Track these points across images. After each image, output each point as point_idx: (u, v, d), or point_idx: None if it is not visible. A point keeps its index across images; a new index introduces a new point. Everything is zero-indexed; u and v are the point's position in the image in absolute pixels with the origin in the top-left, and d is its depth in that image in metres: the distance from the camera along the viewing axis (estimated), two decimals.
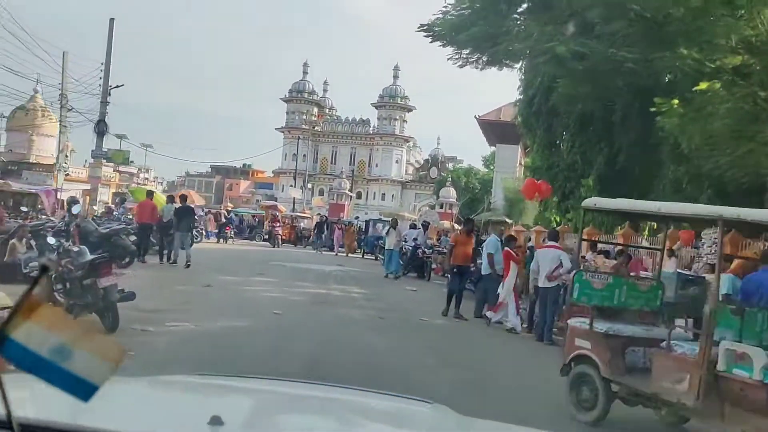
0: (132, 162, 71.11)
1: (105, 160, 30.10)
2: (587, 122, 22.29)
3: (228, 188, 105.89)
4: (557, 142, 25.59)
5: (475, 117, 37.33)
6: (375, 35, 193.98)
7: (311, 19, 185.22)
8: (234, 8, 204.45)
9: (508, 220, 36.29)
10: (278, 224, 33.16)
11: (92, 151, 29.86)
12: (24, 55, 62.85)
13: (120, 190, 48.67)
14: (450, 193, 47.55)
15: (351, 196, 53.11)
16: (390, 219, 34.27)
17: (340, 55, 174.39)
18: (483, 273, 12.55)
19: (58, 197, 24.66)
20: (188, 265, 15.92)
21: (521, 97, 25.77)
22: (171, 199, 20.56)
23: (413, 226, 24.74)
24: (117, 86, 30.06)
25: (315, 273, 18.28)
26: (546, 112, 23.33)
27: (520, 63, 21.74)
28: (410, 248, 21.05)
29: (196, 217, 21.35)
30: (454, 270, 12.22)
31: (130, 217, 25.40)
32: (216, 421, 1.37)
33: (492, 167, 60.69)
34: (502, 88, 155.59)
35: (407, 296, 15.00)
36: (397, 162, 75.12)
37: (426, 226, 25.45)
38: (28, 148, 58.60)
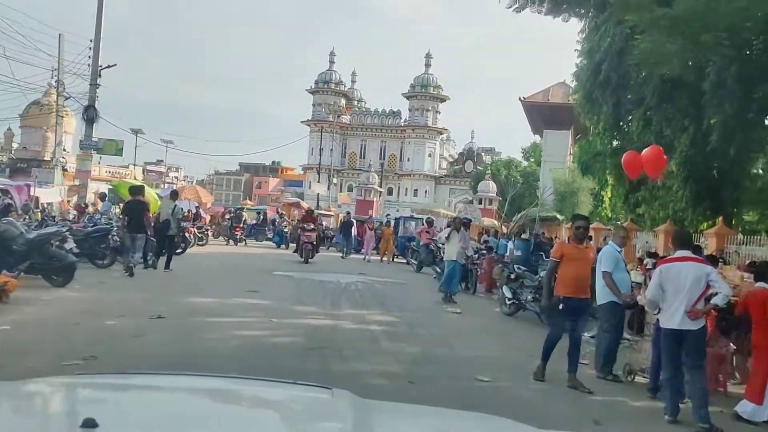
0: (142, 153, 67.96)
1: (95, 151, 26.30)
2: (670, 93, 17.68)
3: (257, 186, 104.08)
4: (625, 120, 20.99)
5: (520, 99, 32.86)
6: (405, 22, 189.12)
7: (337, 7, 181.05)
8: (258, 3, 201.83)
9: (559, 216, 31.86)
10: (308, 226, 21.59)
11: (80, 141, 26.15)
12: (41, 45, 59.75)
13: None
14: (489, 187, 42.94)
15: (380, 192, 48.79)
16: (424, 216, 30.05)
17: (369, 44, 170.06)
18: (600, 302, 7.72)
19: (32, 194, 20.92)
20: (130, 273, 12.97)
21: (581, 66, 21.17)
22: (174, 195, 16.91)
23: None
24: (108, 66, 26.32)
25: (327, 288, 14.04)
26: (616, 83, 18.74)
27: (587, 14, 17.41)
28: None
29: (184, 217, 17.42)
30: (562, 306, 7.05)
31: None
32: (89, 423, 1.33)
33: (532, 159, 55.87)
34: (541, 76, 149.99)
35: (451, 326, 10.62)
36: (430, 155, 70.59)
37: (467, 224, 21.05)
38: (42, 145, 55.72)
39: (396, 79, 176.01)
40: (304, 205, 43.04)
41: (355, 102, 76.63)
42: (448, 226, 20.50)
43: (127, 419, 1.63)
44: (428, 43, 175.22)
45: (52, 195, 24.31)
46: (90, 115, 25.92)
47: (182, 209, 18.02)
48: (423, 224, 22.97)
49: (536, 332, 10.95)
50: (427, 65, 70.73)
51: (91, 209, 20.56)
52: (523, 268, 13.12)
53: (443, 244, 13.63)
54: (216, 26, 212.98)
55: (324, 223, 36.24)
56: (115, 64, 26.52)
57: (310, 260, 19.61)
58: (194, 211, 27.24)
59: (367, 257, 23.85)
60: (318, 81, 72.60)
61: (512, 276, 12.96)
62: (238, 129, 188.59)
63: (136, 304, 9.74)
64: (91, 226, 15.09)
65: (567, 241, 7.19)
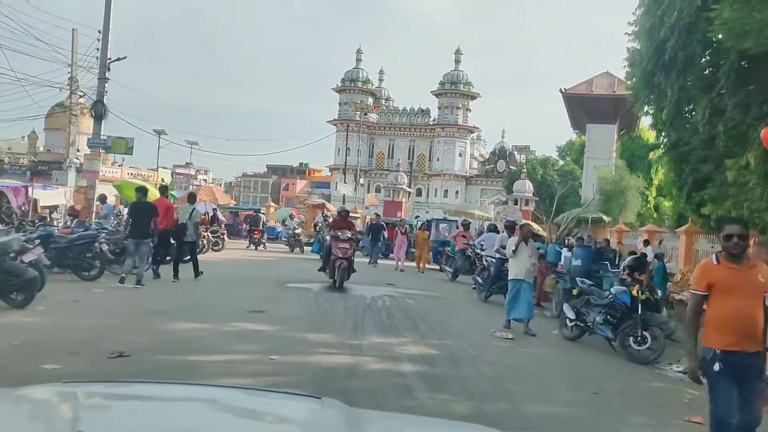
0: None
1: (104, 150, 24.46)
2: (748, 74, 15.15)
3: (284, 188, 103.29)
4: (687, 108, 18.44)
5: (561, 91, 30.35)
6: (433, 19, 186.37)
7: (364, 4, 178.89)
8: (282, 4, 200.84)
9: (605, 217, 29.31)
10: (343, 234, 18.72)
11: (88, 139, 24.35)
12: (64, 44, 58.70)
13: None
14: (526, 187, 40.31)
15: (409, 193, 46.41)
16: (458, 218, 27.67)
17: (396, 42, 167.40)
18: None
19: (30, 196, 19.08)
20: (137, 282, 11.77)
21: (636, 49, 18.64)
22: (192, 198, 15.13)
23: (493, 228, 18.02)
24: (118, 59, 24.46)
25: (349, 305, 11.80)
26: (682, 64, 16.22)
27: None
28: (493, 261, 14.40)
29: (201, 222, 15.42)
30: (718, 365, 4.34)
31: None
32: None
33: (568, 157, 53.07)
34: (577, 72, 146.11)
35: (505, 360, 8.24)
36: (460, 155, 68.07)
37: (511, 227, 18.74)
38: (66, 147, 54.55)
39: (424, 76, 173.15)
40: (331, 207, 40.94)
41: (383, 101, 74.50)
42: (490, 230, 18.25)
43: (114, 430, 1.60)
44: (458, 40, 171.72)
45: (55, 197, 22.47)
46: (98, 111, 24.11)
47: (200, 213, 16.16)
48: (458, 227, 20.64)
49: (613, 367, 8.61)
50: (457, 62, 68.33)
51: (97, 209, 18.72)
52: (588, 281, 10.78)
53: (511, 255, 10.94)
54: (240, 27, 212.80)
55: None
56: (125, 57, 24.59)
57: (339, 284, 13.90)
58: (211, 213, 25.33)
59: (398, 265, 21.30)
60: (344, 79, 70.58)
61: (574, 292, 10.63)
62: (265, 131, 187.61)
63: (101, 332, 7.63)
64: (83, 231, 13.10)
65: (715, 261, 4.46)
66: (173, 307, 9.94)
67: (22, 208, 19.12)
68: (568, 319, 10.23)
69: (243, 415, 1.91)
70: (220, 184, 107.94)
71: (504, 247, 14.00)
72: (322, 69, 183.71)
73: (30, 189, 19.37)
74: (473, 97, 68.36)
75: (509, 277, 10.95)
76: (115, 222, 20.72)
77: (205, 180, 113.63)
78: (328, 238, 15.95)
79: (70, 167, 30.24)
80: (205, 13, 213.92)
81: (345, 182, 45.37)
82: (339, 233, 14.24)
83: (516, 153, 66.57)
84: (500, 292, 14.18)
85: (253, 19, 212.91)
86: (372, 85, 72.01)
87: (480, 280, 14.71)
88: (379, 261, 22.46)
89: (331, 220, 35.28)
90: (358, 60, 70.98)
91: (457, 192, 67.39)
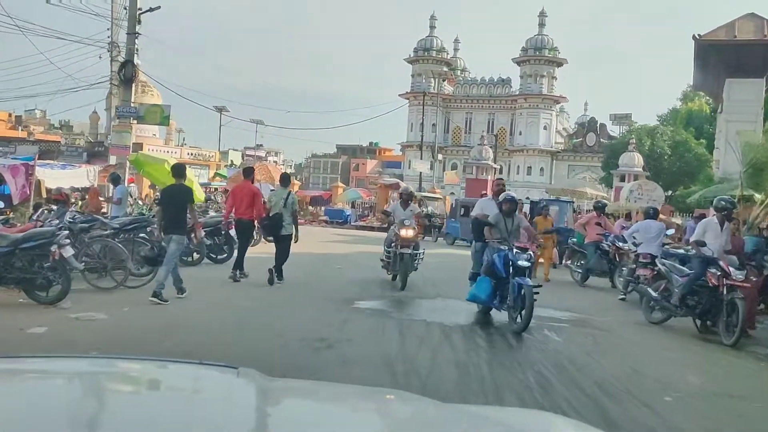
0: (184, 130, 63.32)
1: (135, 120, 20.21)
2: None
3: (354, 168, 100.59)
4: None
5: (694, 37, 24.19)
6: None
7: None
8: None
9: (756, 195, 23.29)
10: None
11: (117, 108, 20.20)
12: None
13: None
14: (635, 160, 34.12)
15: (495, 169, 40.86)
16: (563, 197, 22.12)
17: (472, 7, 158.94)
18: None
19: (32, 176, 14.91)
20: (157, 296, 8.49)
21: None
22: (286, 181, 12.04)
23: (652, 214, 12.59)
24: (150, 9, 20.12)
25: (458, 351, 6.89)
26: None
27: None
28: (685, 275, 9.19)
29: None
30: None
31: (142, 207, 15.73)
32: None
33: (671, 128, 45.98)
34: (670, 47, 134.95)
35: None
36: (545, 128, 61.74)
37: (654, 214, 13.28)
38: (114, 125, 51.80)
39: (504, 44, 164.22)
40: (402, 184, 36.06)
41: (459, 72, 68.71)
42: (648, 216, 12.85)
43: (12, 404, 1.45)
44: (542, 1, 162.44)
45: (75, 178, 18.39)
46: (128, 73, 19.90)
47: (296, 199, 12.07)
48: (577, 211, 15.35)
49: None
50: (541, 25, 61.66)
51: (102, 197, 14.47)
52: None
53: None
54: (307, 11, 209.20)
55: (430, 207, 29.13)
56: (158, 7, 20.14)
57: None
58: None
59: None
60: (417, 48, 65.16)
61: None
62: (333, 110, 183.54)
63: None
64: (49, 227, 8.66)
65: None
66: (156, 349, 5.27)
67: (26, 190, 15.01)
68: None
69: (152, 387, 1.85)
70: (291, 165, 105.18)
71: (702, 243, 8.78)
72: (395, 43, 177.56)
73: (34, 167, 15.19)
74: (559, 64, 61.72)
75: None
76: (134, 210, 16.60)
77: (275, 162, 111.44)
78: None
79: (111, 145, 26.31)
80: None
81: (421, 159, 40.21)
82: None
83: (611, 123, 59.48)
84: (689, 313, 9.08)
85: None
86: (447, 54, 66.30)
87: (654, 294, 9.47)
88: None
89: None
90: (432, 27, 65.31)
91: (542, 169, 61.28)
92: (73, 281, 8.28)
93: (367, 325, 8.01)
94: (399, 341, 7.19)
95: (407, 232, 11.65)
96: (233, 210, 11.46)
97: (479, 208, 10.19)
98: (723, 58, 24.39)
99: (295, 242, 11.07)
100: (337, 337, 7.17)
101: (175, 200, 9.19)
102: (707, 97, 50.54)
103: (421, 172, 39.80)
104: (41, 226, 8.98)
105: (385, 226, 33.24)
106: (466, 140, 64.41)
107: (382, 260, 12.25)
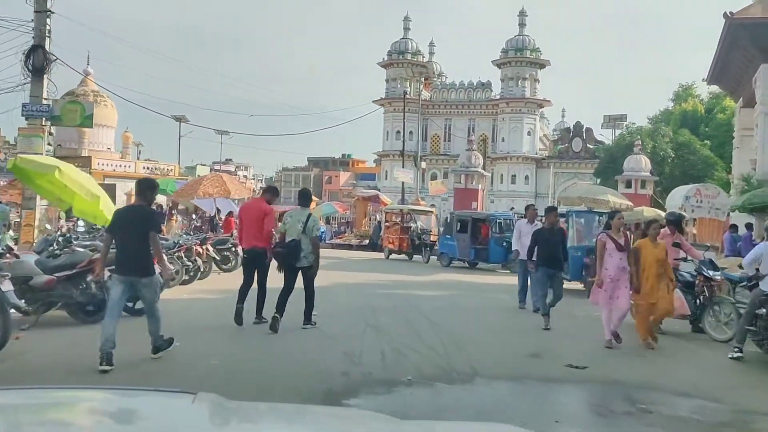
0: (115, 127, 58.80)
1: (48, 121, 15.78)
2: None
3: (327, 181, 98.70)
4: None
5: (725, 15, 20.59)
6: None
7: None
8: None
9: None
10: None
11: (23, 104, 15.74)
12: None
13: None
14: (642, 164, 30.51)
15: (485, 176, 36.92)
16: (580, 207, 18.13)
17: (447, 7, 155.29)
18: None
19: None
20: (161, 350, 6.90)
21: None
22: (306, 199, 9.77)
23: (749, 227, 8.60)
24: None
25: None
26: None
27: None
28: None
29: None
30: None
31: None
32: None
33: (661, 127, 42.52)
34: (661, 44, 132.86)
35: None
36: (529, 134, 58.17)
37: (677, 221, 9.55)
38: (79, 142, 47.02)
39: (482, 46, 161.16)
40: (386, 200, 31.96)
41: (435, 77, 64.98)
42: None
43: None
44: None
45: None
46: (37, 62, 15.55)
47: (317, 222, 9.75)
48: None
49: None
50: (522, 25, 58.26)
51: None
52: None
53: None
54: (274, 21, 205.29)
55: (419, 222, 25.05)
56: None
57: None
58: (213, 212, 16.60)
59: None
60: (391, 52, 61.31)
61: None
62: (305, 125, 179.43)
63: None
64: None
65: None
66: None
67: None
68: None
69: (107, 415, 1.81)
70: (261, 180, 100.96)
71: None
72: (368, 51, 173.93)
73: None
74: (542, 66, 58.31)
75: None
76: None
77: (246, 176, 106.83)
78: None
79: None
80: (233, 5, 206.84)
81: (402, 167, 36.02)
82: None
83: (601, 126, 56.03)
84: None
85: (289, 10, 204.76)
86: (423, 57, 62.60)
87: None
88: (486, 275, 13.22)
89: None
90: (406, 29, 61.55)
91: (527, 177, 57.71)
92: None
93: None
94: None
95: None
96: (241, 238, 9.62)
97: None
98: (758, 37, 20.80)
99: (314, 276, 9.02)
100: None
101: (131, 229, 6.70)
102: (710, 94, 47.55)
103: (403, 183, 35.74)
104: None
105: (365, 243, 29.14)
106: (445, 148, 60.71)
107: None
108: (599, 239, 8.95)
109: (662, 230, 10.82)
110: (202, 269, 13.82)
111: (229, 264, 16.34)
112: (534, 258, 9.96)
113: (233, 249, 16.26)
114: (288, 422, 1.81)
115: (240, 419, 1.76)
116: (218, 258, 15.92)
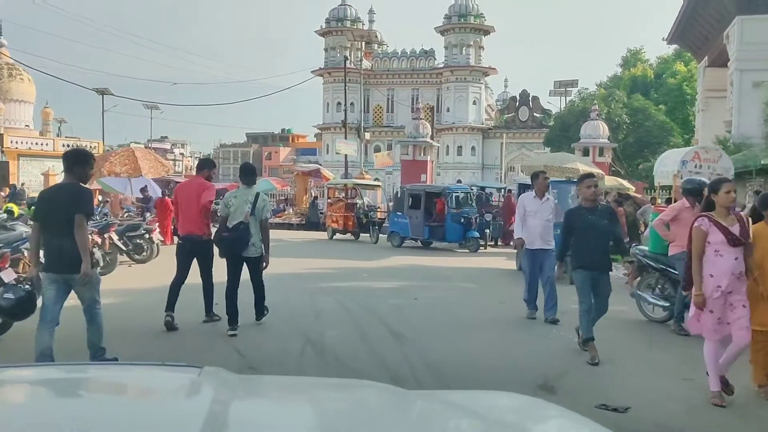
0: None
1: None
2: None
3: (266, 157, 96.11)
4: None
5: None
6: None
7: None
8: None
9: None
10: None
11: None
12: None
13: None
14: (600, 130, 28.89)
15: (434, 147, 34.76)
16: (556, 176, 16.03)
17: None
18: None
19: None
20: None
21: None
22: (250, 175, 8.05)
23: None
24: None
25: None
26: None
27: None
28: None
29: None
30: None
31: None
32: None
33: (615, 92, 41.20)
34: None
35: None
36: (474, 103, 56.32)
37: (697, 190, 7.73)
38: None
39: (424, 13, 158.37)
40: (327, 173, 29.41)
41: (376, 45, 62.22)
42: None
43: None
44: None
45: None
46: None
47: (268, 202, 7.87)
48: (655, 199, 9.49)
49: None
50: None
51: None
52: None
53: None
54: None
55: (366, 198, 22.67)
56: None
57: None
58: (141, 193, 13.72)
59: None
60: (330, 19, 58.28)
61: None
62: (242, 97, 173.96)
63: None
64: None
65: None
66: None
67: None
68: None
69: (114, 390, 1.75)
70: (199, 157, 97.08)
71: None
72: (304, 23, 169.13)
73: None
74: (486, 32, 56.34)
75: None
76: None
77: (182, 154, 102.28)
78: None
79: None
80: None
81: (345, 139, 33.44)
82: None
83: (550, 94, 54.47)
84: None
85: None
86: (363, 24, 59.74)
87: None
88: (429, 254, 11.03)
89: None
90: None
91: (473, 148, 55.99)
92: None
93: None
94: None
95: None
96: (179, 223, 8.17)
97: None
98: None
99: (264, 267, 7.65)
100: None
101: (58, 215, 5.37)
102: (659, 59, 46.51)
103: (346, 156, 33.21)
104: None
105: (304, 223, 26.61)
106: (389, 120, 58.33)
107: None
108: (697, 227, 5.46)
109: (678, 203, 8.72)
110: (101, 263, 11.13)
111: (144, 254, 13.71)
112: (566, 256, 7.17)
113: (147, 236, 13.62)
114: (294, 393, 1.79)
115: (246, 392, 1.71)
116: (128, 247, 13.26)
